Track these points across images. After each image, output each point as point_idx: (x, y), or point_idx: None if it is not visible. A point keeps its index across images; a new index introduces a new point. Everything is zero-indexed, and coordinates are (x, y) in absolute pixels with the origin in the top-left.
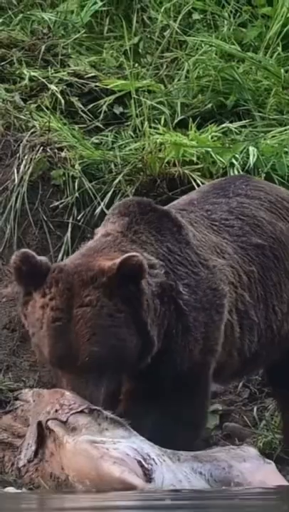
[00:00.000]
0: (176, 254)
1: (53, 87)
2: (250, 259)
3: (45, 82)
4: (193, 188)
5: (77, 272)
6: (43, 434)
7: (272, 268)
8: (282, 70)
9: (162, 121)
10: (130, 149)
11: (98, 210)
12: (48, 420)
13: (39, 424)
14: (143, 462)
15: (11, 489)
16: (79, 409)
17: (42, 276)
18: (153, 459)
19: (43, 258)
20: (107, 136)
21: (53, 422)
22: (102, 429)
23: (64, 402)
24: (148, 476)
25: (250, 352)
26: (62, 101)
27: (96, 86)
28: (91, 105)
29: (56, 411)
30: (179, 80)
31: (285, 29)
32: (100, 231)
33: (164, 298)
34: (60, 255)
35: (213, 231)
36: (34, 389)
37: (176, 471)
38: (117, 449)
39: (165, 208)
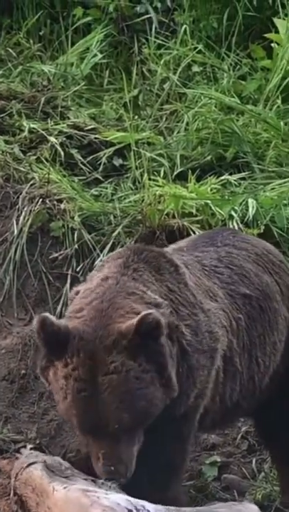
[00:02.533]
0: (176, 293)
1: (52, 139)
2: (238, 307)
3: (45, 134)
4: None
5: (97, 337)
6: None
7: (257, 319)
8: (281, 123)
9: (162, 174)
10: (130, 201)
11: (97, 262)
12: (30, 464)
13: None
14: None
15: None
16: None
17: (62, 344)
18: (148, 510)
19: (62, 323)
20: (106, 188)
21: (39, 464)
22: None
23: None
24: None
25: (231, 401)
26: (62, 153)
27: (96, 138)
28: (90, 157)
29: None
30: (178, 132)
31: (285, 82)
32: (95, 275)
33: (173, 337)
34: (58, 307)
35: (204, 275)
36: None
37: None
38: (108, 498)
39: (158, 248)
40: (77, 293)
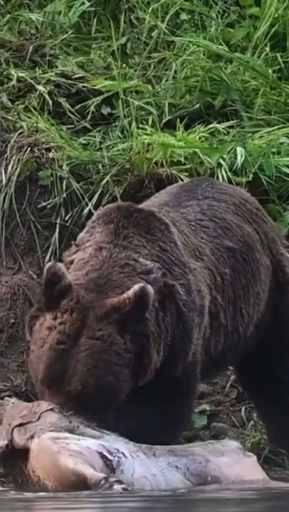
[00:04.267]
0: (168, 253)
1: (40, 87)
2: (224, 261)
3: (33, 83)
4: None
5: (92, 307)
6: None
7: (241, 271)
8: (269, 71)
9: (150, 122)
10: (118, 150)
11: (86, 211)
12: (14, 428)
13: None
14: (106, 454)
15: None
16: (49, 408)
17: (59, 296)
18: (122, 453)
19: (69, 278)
20: (94, 137)
21: (17, 431)
22: (73, 427)
23: (34, 408)
24: (110, 466)
25: (216, 352)
26: (50, 101)
27: (84, 86)
28: (79, 106)
29: (25, 415)
30: (166, 81)
31: (273, 29)
32: (86, 241)
33: (166, 303)
34: (47, 256)
35: (191, 231)
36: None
37: (150, 466)
38: (79, 444)
39: (147, 207)
40: (71, 262)
